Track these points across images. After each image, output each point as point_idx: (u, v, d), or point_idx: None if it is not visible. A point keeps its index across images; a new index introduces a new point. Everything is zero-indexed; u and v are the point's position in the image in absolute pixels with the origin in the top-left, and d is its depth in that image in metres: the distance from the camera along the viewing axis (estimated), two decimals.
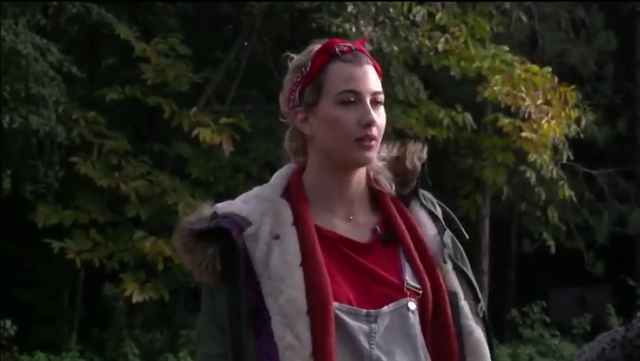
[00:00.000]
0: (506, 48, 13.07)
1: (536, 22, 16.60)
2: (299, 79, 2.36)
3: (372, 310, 2.27)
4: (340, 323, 2.24)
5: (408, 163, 2.44)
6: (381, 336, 2.26)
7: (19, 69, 10.84)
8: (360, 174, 2.38)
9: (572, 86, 13.10)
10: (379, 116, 2.33)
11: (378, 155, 2.40)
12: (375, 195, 2.41)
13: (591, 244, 17.67)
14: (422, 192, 2.48)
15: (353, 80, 2.31)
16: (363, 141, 2.30)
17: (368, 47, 11.96)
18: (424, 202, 2.46)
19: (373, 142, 2.32)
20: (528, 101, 12.50)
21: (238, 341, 2.26)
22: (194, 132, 11.73)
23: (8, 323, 12.04)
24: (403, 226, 2.38)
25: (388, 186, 2.41)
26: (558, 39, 17.53)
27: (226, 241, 2.28)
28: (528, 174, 13.64)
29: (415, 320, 2.30)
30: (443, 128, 13.52)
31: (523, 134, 12.88)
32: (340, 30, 11.55)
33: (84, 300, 13.37)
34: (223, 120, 12.05)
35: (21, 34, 10.88)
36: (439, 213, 2.47)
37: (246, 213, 2.31)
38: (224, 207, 2.35)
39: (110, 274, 12.48)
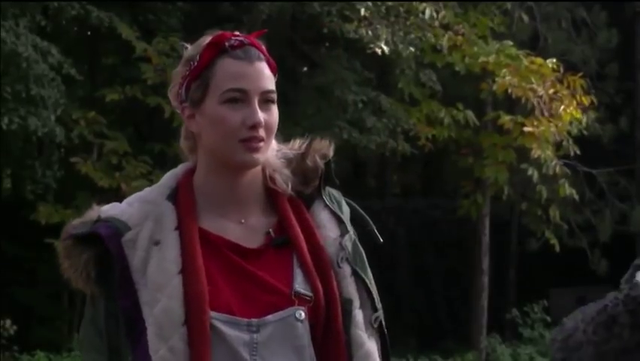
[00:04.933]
0: (510, 43, 13.08)
1: (538, 21, 16.59)
2: (187, 73, 2.24)
3: (254, 320, 2.14)
4: (218, 333, 2.12)
5: (309, 161, 2.28)
6: (264, 346, 2.14)
7: (20, 70, 10.86)
8: (254, 173, 2.24)
9: (580, 74, 13.08)
10: (270, 116, 2.20)
11: (281, 152, 2.28)
12: (271, 196, 2.27)
13: (593, 244, 17.67)
14: (330, 191, 2.31)
15: (241, 78, 2.18)
16: (249, 142, 2.17)
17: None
18: (329, 203, 2.29)
19: (260, 143, 2.18)
20: (541, 91, 12.47)
21: (116, 351, 2.16)
22: None
23: (8, 322, 12.03)
24: (298, 229, 2.23)
25: (284, 185, 2.26)
26: (560, 38, 17.53)
27: (103, 248, 2.17)
28: (530, 172, 13.63)
29: (304, 329, 2.17)
30: (444, 128, 13.55)
31: (526, 128, 12.87)
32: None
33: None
34: None
35: (22, 35, 10.90)
36: (344, 214, 2.30)
37: (126, 217, 2.19)
38: (107, 210, 2.24)
39: None
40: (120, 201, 2.29)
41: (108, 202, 2.31)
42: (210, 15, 14.65)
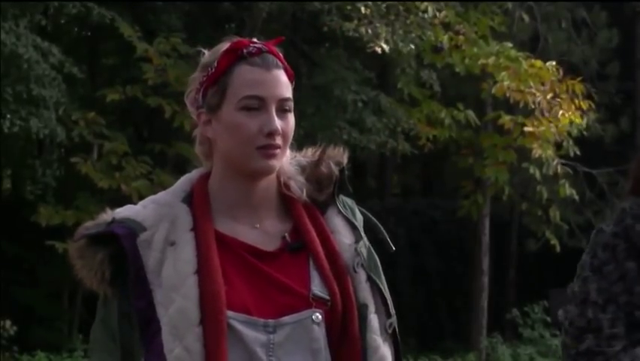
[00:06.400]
0: (510, 44, 13.09)
1: (538, 22, 16.60)
2: (204, 79, 2.25)
3: (271, 320, 2.16)
4: (235, 333, 2.13)
5: (323, 168, 2.30)
6: (280, 347, 2.15)
7: (21, 71, 10.86)
8: (269, 180, 2.26)
9: (579, 78, 13.09)
10: (286, 124, 2.22)
11: (295, 160, 2.31)
12: (286, 202, 2.29)
13: None
14: (343, 198, 2.34)
15: (258, 86, 2.20)
16: (265, 149, 2.19)
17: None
18: (342, 209, 2.31)
19: (277, 151, 2.20)
20: (539, 95, 12.48)
21: (129, 352, 2.16)
22: None
23: (8, 323, 12.03)
24: (314, 234, 2.25)
25: (299, 191, 2.27)
26: (560, 38, 17.54)
27: (118, 248, 2.17)
28: (532, 170, 13.62)
29: (320, 332, 2.19)
30: (445, 128, 13.56)
31: (526, 129, 12.87)
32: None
33: (84, 300, 13.36)
34: None
35: (22, 36, 10.90)
36: (358, 221, 2.32)
37: (142, 218, 2.20)
38: (121, 211, 2.23)
39: None
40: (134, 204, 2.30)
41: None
42: (211, 15, 14.66)
